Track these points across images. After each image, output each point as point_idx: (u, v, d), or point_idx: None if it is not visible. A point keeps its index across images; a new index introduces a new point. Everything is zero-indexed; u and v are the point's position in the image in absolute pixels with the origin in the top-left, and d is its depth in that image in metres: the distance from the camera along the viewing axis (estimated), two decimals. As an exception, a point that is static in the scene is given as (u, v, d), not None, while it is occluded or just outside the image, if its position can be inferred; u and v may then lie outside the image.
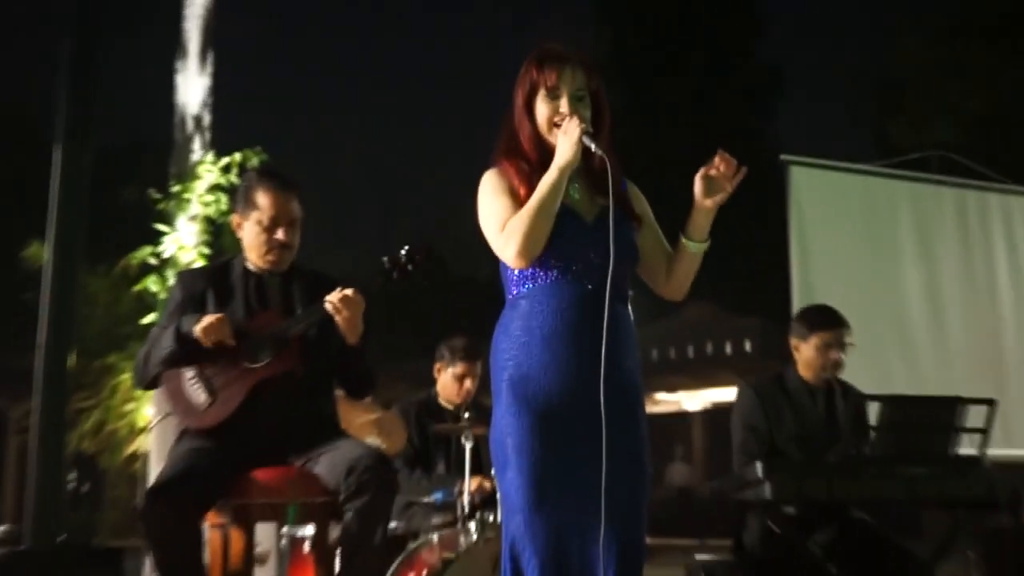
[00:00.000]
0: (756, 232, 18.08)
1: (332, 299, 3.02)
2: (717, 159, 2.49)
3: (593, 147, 2.49)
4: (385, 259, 3.11)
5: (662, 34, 22.22)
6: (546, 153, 2.55)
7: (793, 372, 4.01)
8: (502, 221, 2.49)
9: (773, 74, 22.27)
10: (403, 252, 3.12)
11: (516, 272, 2.56)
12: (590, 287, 2.50)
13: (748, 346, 19.10)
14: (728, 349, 19.26)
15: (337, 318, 3.03)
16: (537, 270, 2.53)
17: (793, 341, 4.03)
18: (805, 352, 3.98)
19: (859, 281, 6.10)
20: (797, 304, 5.91)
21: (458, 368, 4.46)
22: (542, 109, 2.57)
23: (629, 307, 2.61)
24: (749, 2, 22.90)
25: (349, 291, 3.03)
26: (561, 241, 2.50)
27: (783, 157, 6.16)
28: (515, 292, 2.56)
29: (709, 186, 2.50)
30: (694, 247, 2.57)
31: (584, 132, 2.49)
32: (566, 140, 2.49)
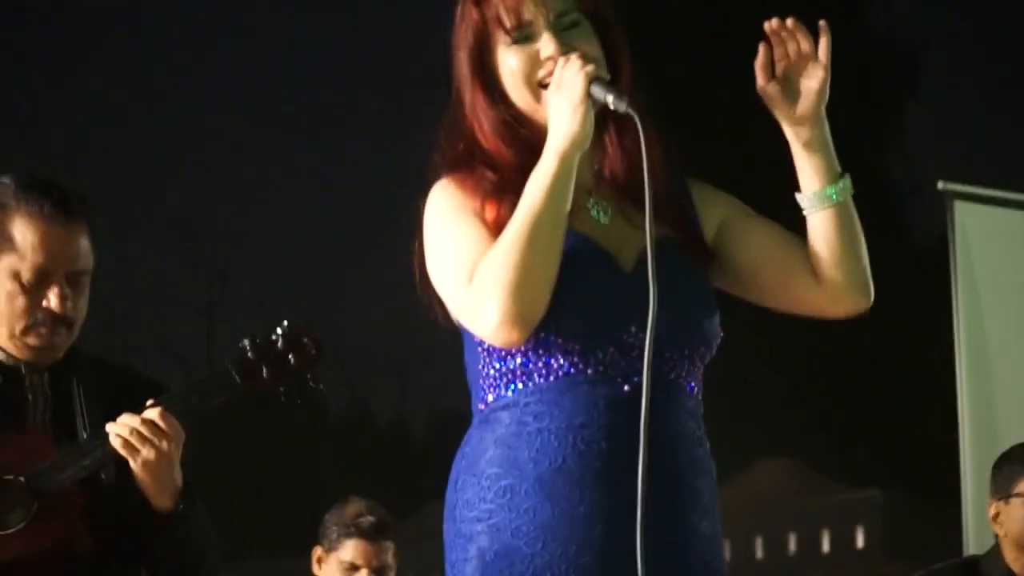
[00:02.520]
0: (879, 318, 18.21)
1: (117, 429, 3.01)
2: (773, 39, 2.50)
3: (611, 100, 2.45)
4: (247, 343, 3.09)
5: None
6: (528, 145, 2.56)
7: (995, 560, 4.09)
8: (471, 262, 2.48)
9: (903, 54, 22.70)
10: (279, 332, 3.12)
11: (495, 360, 2.55)
12: (628, 388, 2.50)
13: (860, 539, 19.10)
14: (825, 544, 19.25)
15: (132, 463, 3.01)
16: (533, 358, 2.52)
17: (993, 507, 4.13)
18: (1013, 519, 4.04)
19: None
20: (969, 454, 5.92)
21: (347, 552, 4.57)
22: (509, 63, 2.57)
23: (702, 427, 2.60)
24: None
25: (153, 413, 3.02)
26: (576, 305, 2.50)
27: (943, 186, 6.20)
28: (491, 398, 2.57)
29: (788, 91, 2.53)
30: (829, 194, 2.57)
31: (594, 78, 2.46)
32: (563, 98, 2.47)
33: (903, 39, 22.58)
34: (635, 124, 2.46)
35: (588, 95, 2.46)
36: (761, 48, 2.51)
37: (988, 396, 6.03)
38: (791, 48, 2.51)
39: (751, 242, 2.66)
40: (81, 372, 3.22)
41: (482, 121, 2.59)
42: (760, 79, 2.52)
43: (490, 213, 2.53)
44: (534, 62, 2.55)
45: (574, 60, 2.48)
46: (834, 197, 2.57)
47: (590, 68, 2.47)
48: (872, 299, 2.65)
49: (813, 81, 2.51)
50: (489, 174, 2.57)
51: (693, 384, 2.58)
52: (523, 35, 2.55)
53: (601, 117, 2.50)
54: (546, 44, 2.54)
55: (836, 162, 2.57)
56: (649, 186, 2.43)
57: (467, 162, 2.60)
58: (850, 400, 20.02)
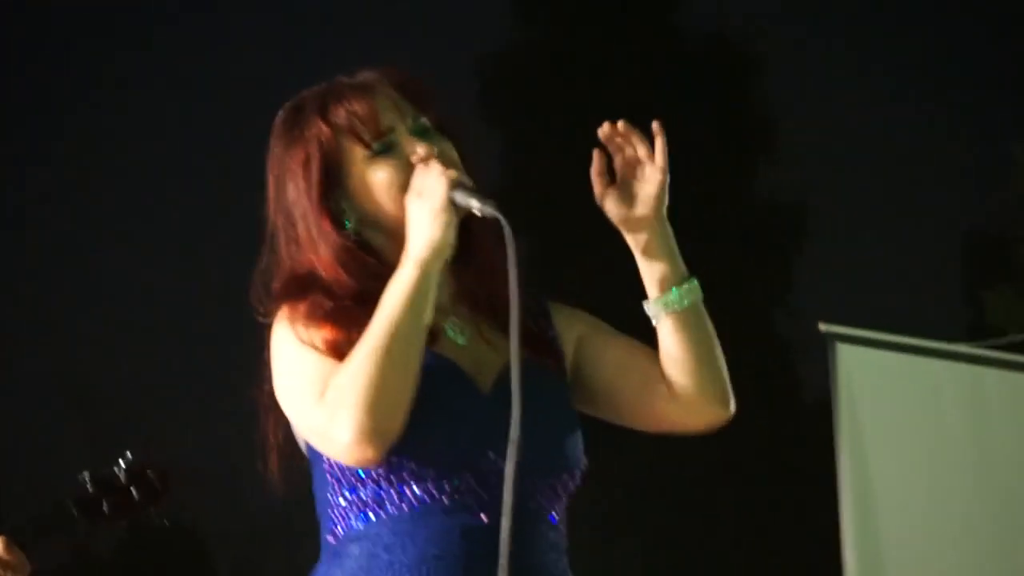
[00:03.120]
0: (761, 459, 18.31)
1: None
2: (609, 146, 2.48)
3: (476, 205, 2.39)
4: (87, 476, 3.02)
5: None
6: (371, 272, 2.49)
7: None
8: (321, 380, 2.40)
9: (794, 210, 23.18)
10: (121, 466, 3.05)
11: (345, 489, 2.47)
12: (486, 518, 2.44)
13: None
14: None
15: None
16: (385, 486, 2.44)
17: None
18: None
19: (958, 531, 6.19)
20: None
21: None
22: (379, 176, 2.49)
23: (565, 559, 2.54)
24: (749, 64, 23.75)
25: None
26: (431, 428, 2.43)
27: (824, 328, 6.28)
28: (340, 530, 2.50)
29: (625, 194, 2.50)
30: (674, 299, 2.53)
31: (457, 184, 2.40)
32: (424, 204, 2.40)
33: (787, 195, 23.08)
34: (497, 234, 2.37)
35: (451, 201, 2.39)
36: (595, 155, 2.48)
37: (874, 542, 6.08)
38: (627, 152, 2.48)
39: (606, 358, 2.61)
40: None
41: (322, 248, 2.50)
42: (597, 187, 2.48)
43: (330, 340, 2.43)
44: (406, 169, 2.47)
45: (435, 164, 2.43)
46: (679, 302, 2.52)
47: (452, 172, 2.41)
48: (732, 409, 2.59)
49: (650, 185, 2.47)
50: (327, 302, 2.47)
51: (555, 514, 2.51)
52: (384, 145, 2.49)
53: (459, 231, 2.42)
54: (416, 147, 2.48)
55: (682, 266, 2.53)
56: (514, 291, 2.34)
57: (303, 290, 2.49)
58: (731, 548, 20.06)
